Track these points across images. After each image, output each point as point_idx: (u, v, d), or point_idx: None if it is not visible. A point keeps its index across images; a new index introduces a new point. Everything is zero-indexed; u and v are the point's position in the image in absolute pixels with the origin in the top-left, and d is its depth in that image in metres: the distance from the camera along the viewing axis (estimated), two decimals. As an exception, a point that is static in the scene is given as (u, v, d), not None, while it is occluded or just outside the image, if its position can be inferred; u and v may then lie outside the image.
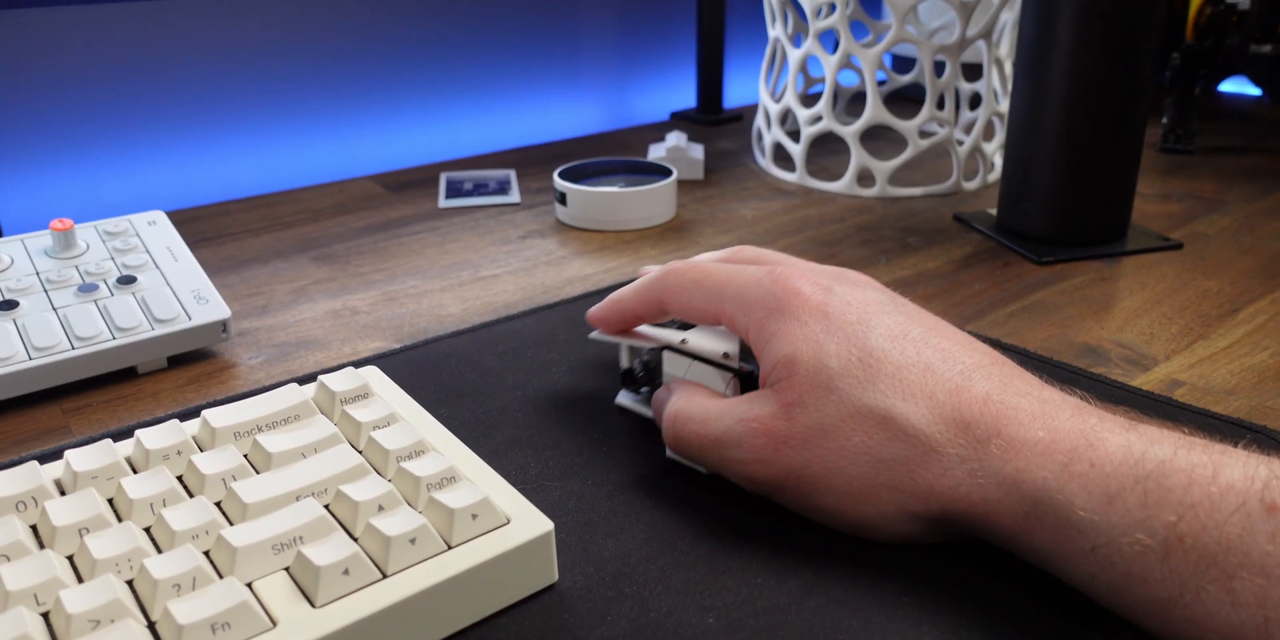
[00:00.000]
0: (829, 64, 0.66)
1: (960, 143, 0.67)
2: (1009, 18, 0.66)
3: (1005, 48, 0.67)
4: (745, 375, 0.34)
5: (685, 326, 0.37)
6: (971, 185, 0.69)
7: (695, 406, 0.32)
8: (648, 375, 0.38)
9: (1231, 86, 1.01)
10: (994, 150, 0.69)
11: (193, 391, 0.42)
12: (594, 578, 0.29)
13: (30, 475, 0.28)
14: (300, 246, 0.60)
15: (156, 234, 0.49)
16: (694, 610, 0.28)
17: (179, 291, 0.45)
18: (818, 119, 0.68)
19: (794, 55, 0.68)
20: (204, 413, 0.31)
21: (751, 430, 0.30)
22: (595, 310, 0.38)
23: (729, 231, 0.61)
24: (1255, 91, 0.97)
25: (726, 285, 0.33)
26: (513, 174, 0.73)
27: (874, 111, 0.65)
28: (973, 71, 0.87)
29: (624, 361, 0.39)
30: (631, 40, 0.94)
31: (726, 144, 0.83)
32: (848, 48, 0.65)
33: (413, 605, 0.25)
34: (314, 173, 0.78)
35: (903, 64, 0.98)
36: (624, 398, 0.39)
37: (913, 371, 0.29)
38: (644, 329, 0.37)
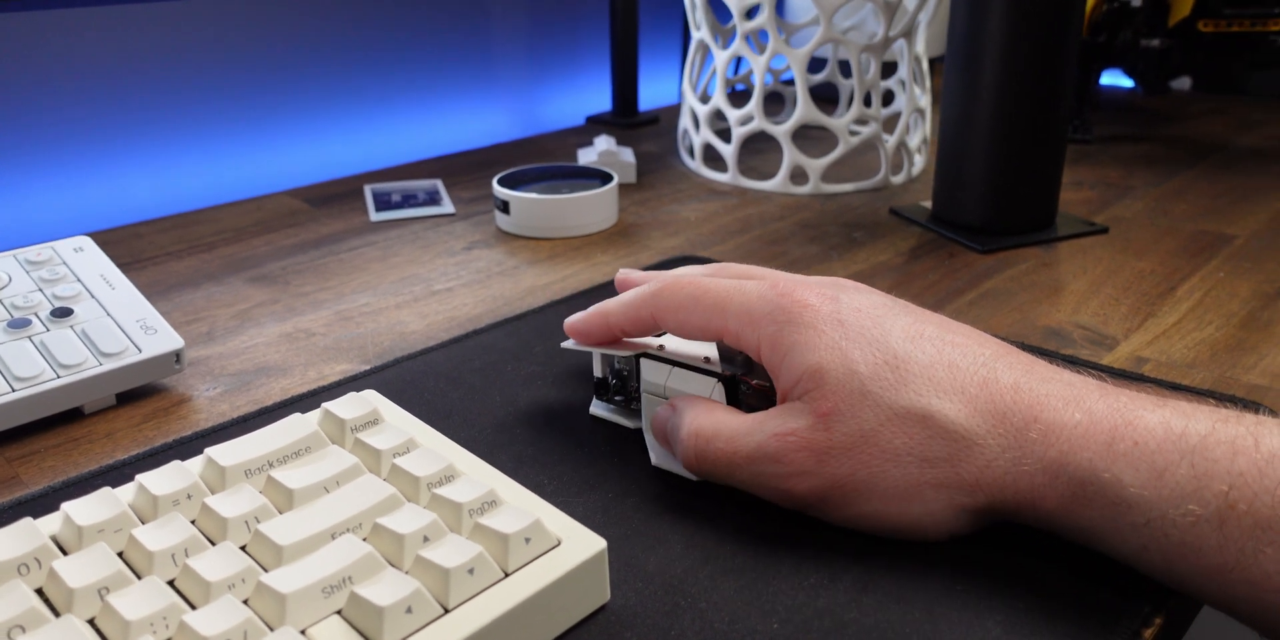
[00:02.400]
0: (758, 64, 0.67)
1: (886, 139, 0.68)
2: (924, 17, 0.68)
3: (921, 45, 0.69)
4: (728, 379, 0.33)
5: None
6: (898, 179, 0.71)
7: (717, 423, 0.31)
8: (621, 383, 0.37)
9: (1105, 79, 1.08)
10: (916, 145, 0.71)
11: (152, 429, 0.39)
12: (645, 593, 0.28)
13: (28, 533, 0.25)
14: (231, 268, 0.56)
15: (85, 261, 0.45)
16: (756, 617, 0.27)
17: (122, 322, 0.42)
18: (748, 119, 0.68)
19: (720, 57, 0.69)
20: (207, 451, 0.29)
21: (789, 444, 0.29)
22: (576, 322, 0.36)
23: (676, 234, 0.61)
24: (1128, 83, 1.04)
25: (729, 301, 0.32)
26: (440, 184, 0.71)
27: (805, 110, 0.66)
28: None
29: (597, 370, 0.38)
30: (542, 46, 0.93)
31: (649, 146, 0.83)
32: (776, 48, 0.66)
33: (481, 639, 0.24)
34: (222, 190, 0.74)
35: (810, 64, 1.01)
36: (598, 407, 0.38)
37: (939, 369, 0.29)
38: None
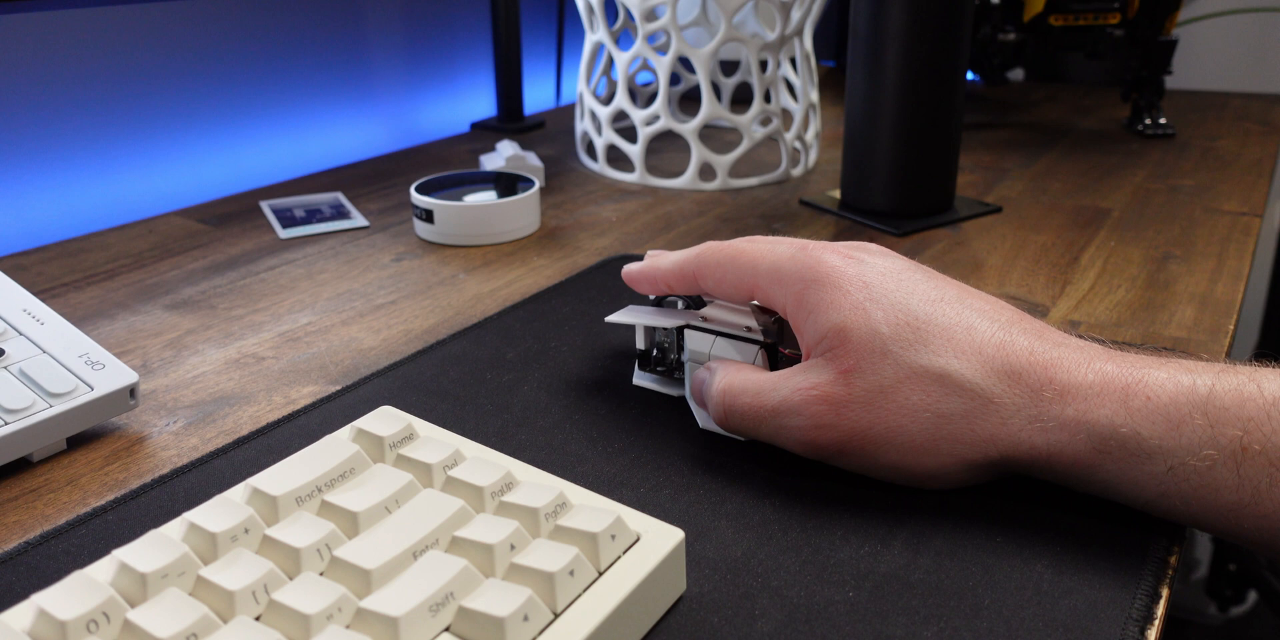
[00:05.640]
0: (662, 65, 0.68)
1: (786, 134, 0.71)
2: (812, 17, 0.71)
3: (809, 43, 0.73)
4: (770, 347, 0.35)
5: (693, 305, 0.38)
6: (797, 171, 0.74)
7: (745, 380, 0.33)
8: (662, 355, 0.39)
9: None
10: (811, 138, 0.74)
11: (119, 471, 0.36)
12: (714, 579, 0.29)
13: (88, 588, 0.23)
14: (142, 295, 0.52)
15: (0, 296, 0.41)
16: (829, 588, 0.28)
17: (63, 359, 0.38)
18: (654, 119, 0.69)
19: (621, 58, 0.70)
20: (249, 481, 0.27)
21: (810, 397, 0.31)
22: (632, 269, 0.39)
23: (603, 235, 0.61)
24: (970, 76, 1.12)
25: (760, 262, 0.34)
26: (342, 196, 0.69)
27: (711, 108, 0.68)
28: (731, 68, 0.92)
29: (640, 342, 0.40)
30: (419, 54, 0.91)
31: (543, 150, 0.83)
32: (680, 48, 0.67)
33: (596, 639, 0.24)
34: (97, 214, 0.68)
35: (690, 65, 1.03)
36: (641, 378, 0.40)
37: (957, 331, 0.31)
38: (655, 311, 0.39)
